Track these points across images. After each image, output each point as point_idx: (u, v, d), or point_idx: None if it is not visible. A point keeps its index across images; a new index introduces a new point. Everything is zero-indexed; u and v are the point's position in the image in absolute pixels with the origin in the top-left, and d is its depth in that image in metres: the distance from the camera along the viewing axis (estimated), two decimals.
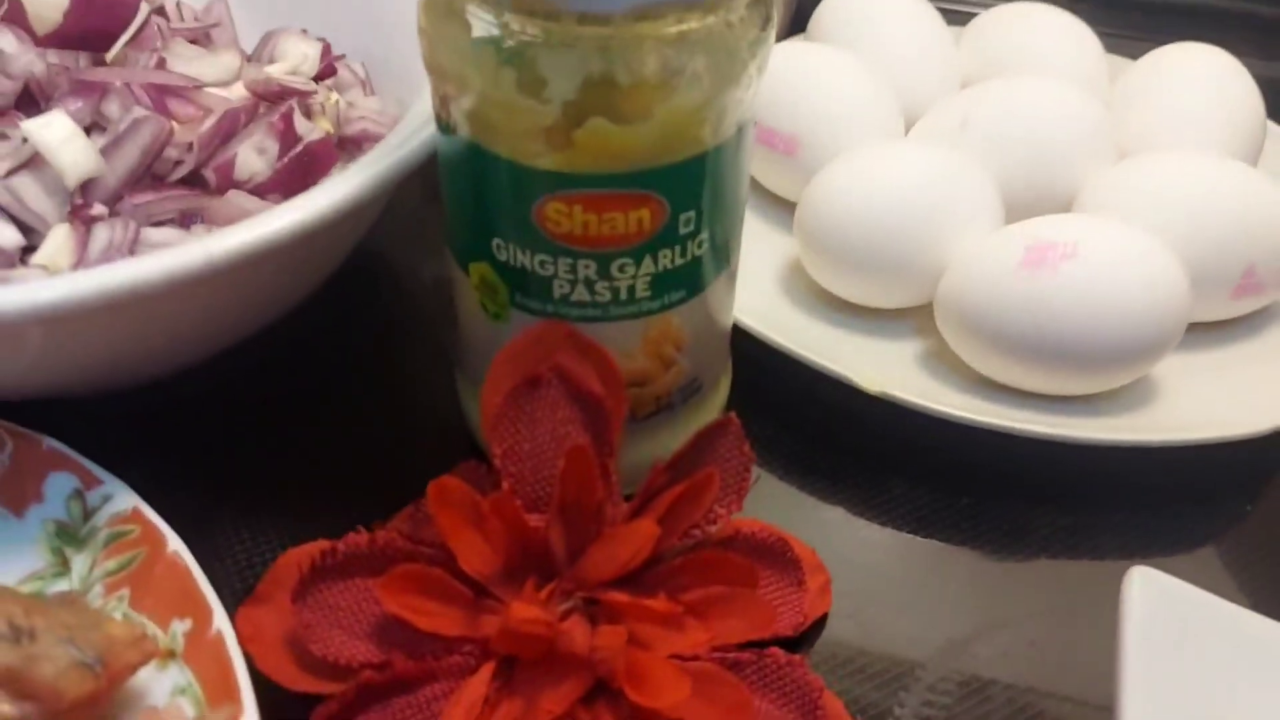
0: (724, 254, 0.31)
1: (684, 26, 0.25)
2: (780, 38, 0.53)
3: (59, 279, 0.27)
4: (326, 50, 0.41)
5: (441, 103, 0.28)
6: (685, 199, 0.28)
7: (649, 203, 0.28)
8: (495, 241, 0.29)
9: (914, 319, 0.40)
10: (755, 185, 0.45)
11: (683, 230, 0.29)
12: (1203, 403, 0.37)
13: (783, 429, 0.38)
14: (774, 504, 0.35)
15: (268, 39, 0.41)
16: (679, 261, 0.29)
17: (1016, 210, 0.39)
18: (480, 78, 0.26)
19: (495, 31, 0.25)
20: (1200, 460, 0.35)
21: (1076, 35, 0.47)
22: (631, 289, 0.29)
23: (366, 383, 0.39)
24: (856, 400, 0.36)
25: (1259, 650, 0.28)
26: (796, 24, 0.52)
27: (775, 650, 0.29)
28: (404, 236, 0.44)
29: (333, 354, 0.40)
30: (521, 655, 0.28)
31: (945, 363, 0.38)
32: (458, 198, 0.30)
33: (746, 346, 0.37)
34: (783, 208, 0.44)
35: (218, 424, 0.37)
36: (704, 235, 0.29)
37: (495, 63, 0.26)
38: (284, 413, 0.37)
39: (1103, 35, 0.48)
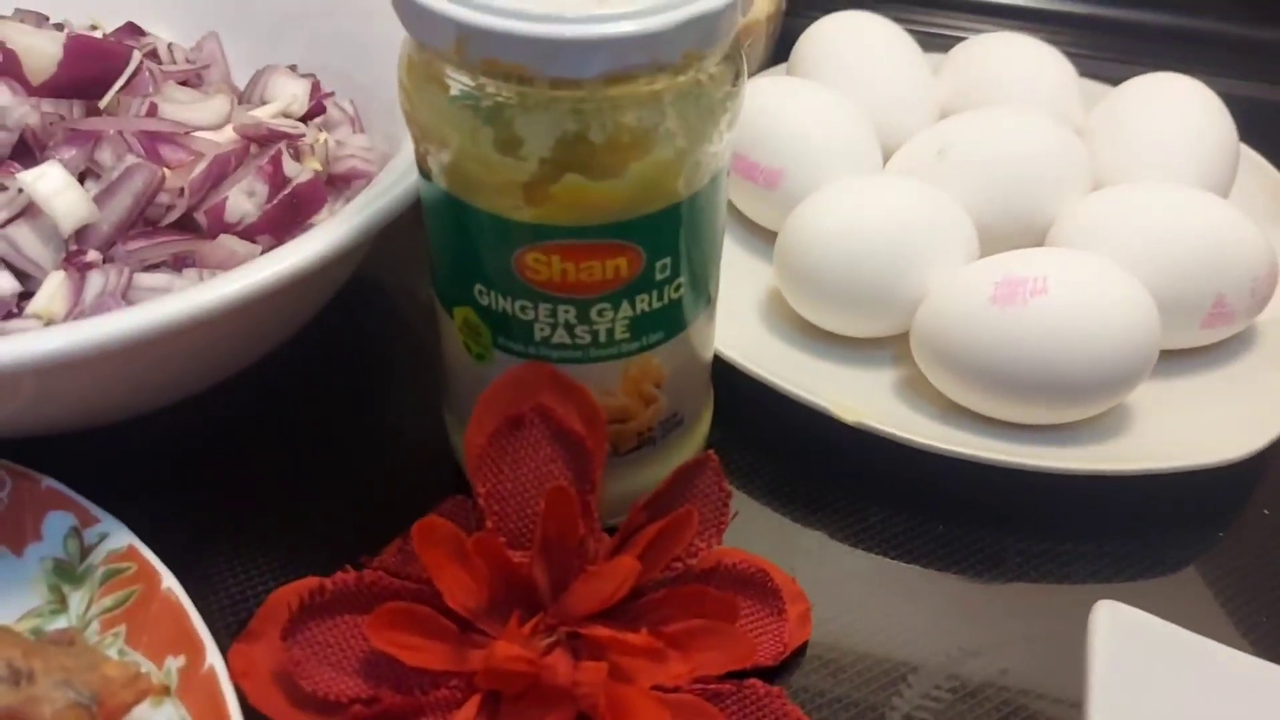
0: (702, 294, 0.32)
1: (656, 86, 0.26)
2: (762, 69, 0.54)
3: (52, 331, 0.28)
4: (316, 88, 0.42)
5: (422, 155, 0.29)
6: (661, 247, 0.29)
7: (626, 252, 0.29)
8: (477, 287, 0.30)
9: (892, 348, 0.41)
10: (736, 215, 0.46)
11: (659, 276, 0.30)
12: (1175, 431, 0.38)
13: (763, 458, 0.39)
14: (755, 532, 0.36)
15: (258, 78, 0.42)
16: (656, 305, 0.30)
17: (992, 239, 0.40)
18: (458, 135, 0.27)
19: (472, 93, 0.26)
20: (1173, 488, 0.36)
21: (1052, 65, 0.47)
22: (610, 332, 0.30)
23: (359, 414, 0.40)
24: (835, 429, 0.37)
25: (1226, 683, 0.28)
26: (779, 55, 0.53)
27: (755, 682, 0.30)
28: (397, 262, 0.45)
29: (325, 386, 0.41)
30: (506, 690, 0.29)
31: (922, 391, 0.39)
32: (440, 244, 0.31)
33: (728, 377, 0.38)
34: (764, 237, 0.45)
35: (212, 459, 0.37)
36: (681, 279, 0.30)
37: (473, 122, 0.26)
38: (277, 446, 0.38)
39: (1082, 59, 0.49)
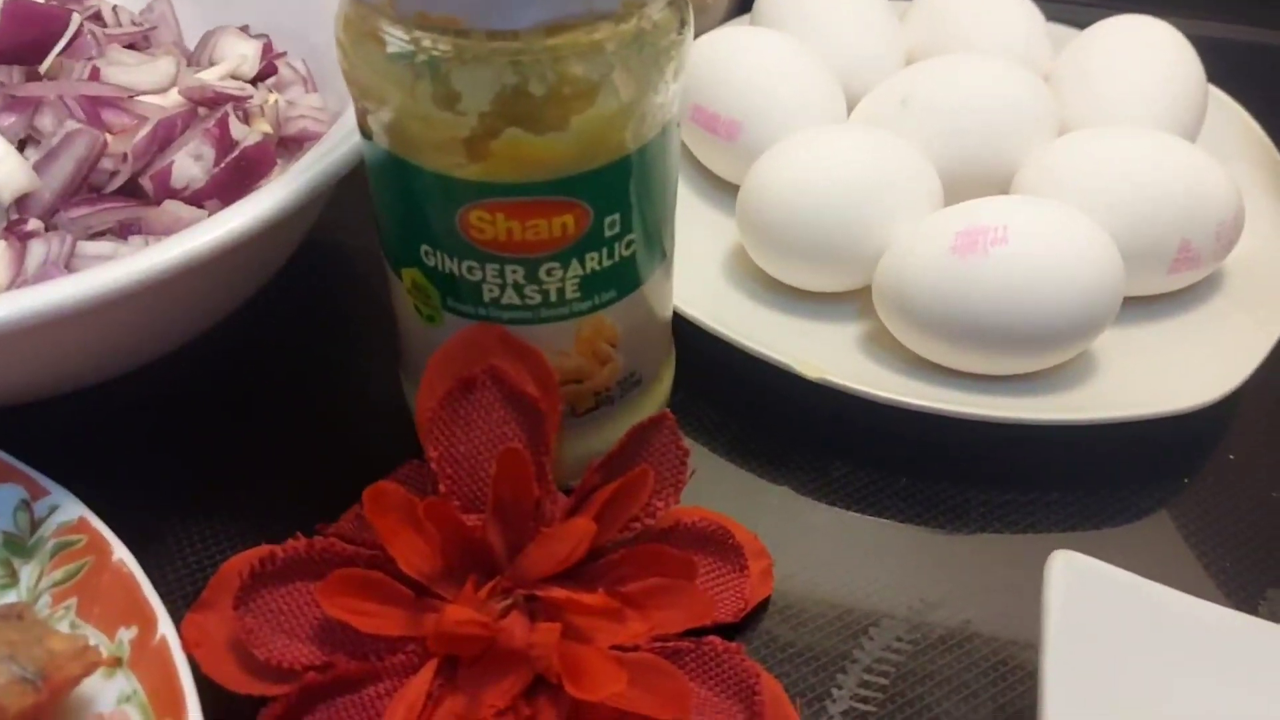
0: (656, 251, 0.32)
1: (596, 36, 0.26)
2: (726, 19, 0.53)
3: None
4: (267, 49, 0.41)
5: (362, 114, 0.28)
6: (609, 203, 0.29)
7: (572, 209, 0.28)
8: (423, 248, 0.29)
9: (856, 301, 0.40)
10: (698, 169, 0.46)
11: (609, 233, 0.29)
12: (1140, 378, 0.37)
13: (726, 416, 0.38)
14: (718, 490, 0.36)
15: (207, 39, 0.41)
16: (607, 263, 0.30)
17: (957, 188, 0.40)
18: (397, 92, 0.26)
19: (408, 48, 0.25)
20: (1138, 436, 0.36)
21: (1019, 10, 0.47)
22: (561, 291, 0.30)
23: (319, 379, 0.39)
24: (797, 385, 0.36)
25: (1182, 630, 0.28)
26: (744, 5, 0.52)
27: (713, 639, 0.30)
28: (355, 224, 0.43)
29: (284, 351, 0.40)
30: (461, 654, 0.28)
31: (886, 345, 0.39)
32: (385, 205, 0.30)
33: (689, 335, 0.38)
34: (726, 190, 0.44)
35: (168, 429, 0.37)
36: (632, 236, 0.30)
37: (410, 78, 0.26)
38: (235, 414, 0.38)
39: (1049, 3, 0.49)
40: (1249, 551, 0.35)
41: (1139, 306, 0.40)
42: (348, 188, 0.37)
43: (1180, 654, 0.28)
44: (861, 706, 0.30)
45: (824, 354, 0.38)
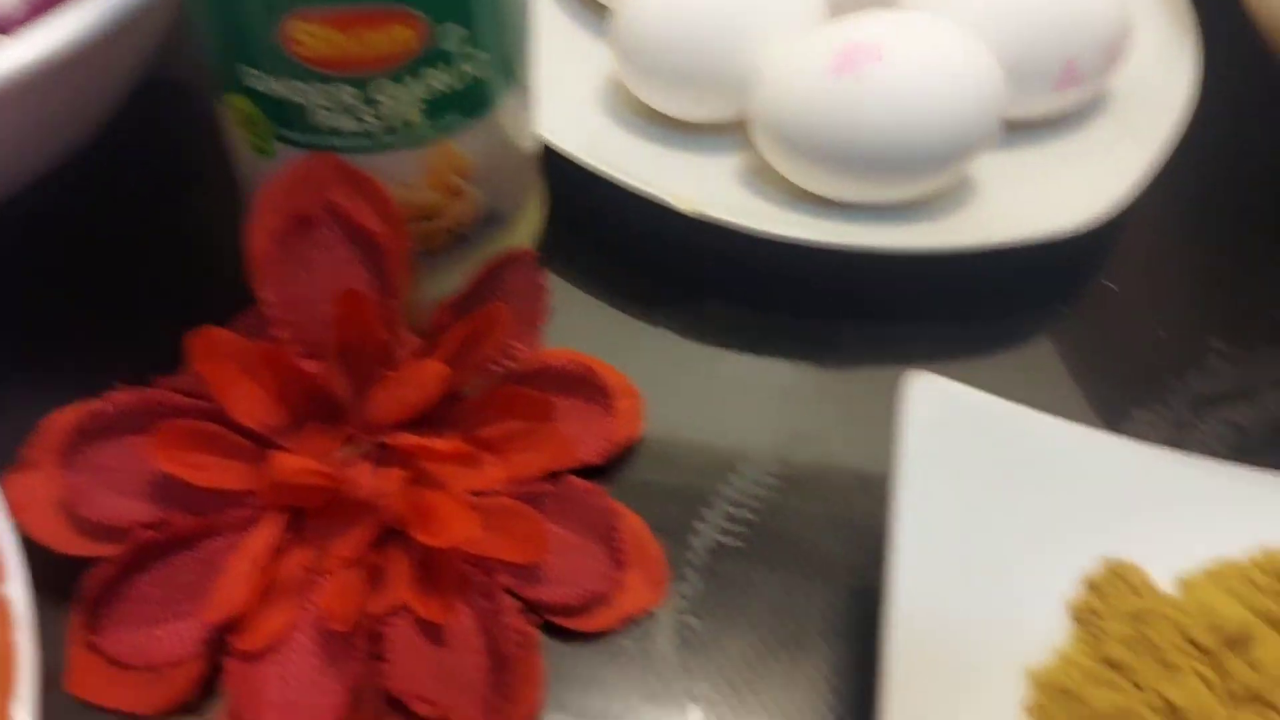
0: (509, 73, 0.29)
1: None
2: None
3: None
4: None
5: None
6: (447, 12, 0.26)
7: (405, 18, 0.26)
8: (246, 69, 0.27)
9: (739, 133, 0.38)
10: None
11: (450, 48, 0.27)
12: (1021, 205, 0.36)
13: (599, 255, 0.37)
14: (589, 332, 0.35)
15: None
16: (451, 84, 0.27)
17: (844, 5, 0.38)
18: None
19: None
20: (1017, 265, 0.35)
21: None
22: (402, 115, 0.27)
23: (155, 228, 0.37)
24: (673, 221, 0.35)
25: (1037, 448, 0.28)
26: None
27: (572, 479, 0.29)
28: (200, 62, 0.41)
29: (123, 199, 0.37)
30: (305, 505, 0.27)
31: (766, 179, 0.37)
32: (200, 21, 0.27)
33: (562, 170, 0.36)
34: (603, 14, 0.41)
35: None
36: (477, 53, 0.27)
37: None
38: (63, 266, 0.35)
39: None
40: (1122, 378, 0.35)
41: (1022, 132, 0.38)
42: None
43: (1035, 471, 0.28)
44: (725, 540, 0.30)
45: (703, 188, 0.36)
